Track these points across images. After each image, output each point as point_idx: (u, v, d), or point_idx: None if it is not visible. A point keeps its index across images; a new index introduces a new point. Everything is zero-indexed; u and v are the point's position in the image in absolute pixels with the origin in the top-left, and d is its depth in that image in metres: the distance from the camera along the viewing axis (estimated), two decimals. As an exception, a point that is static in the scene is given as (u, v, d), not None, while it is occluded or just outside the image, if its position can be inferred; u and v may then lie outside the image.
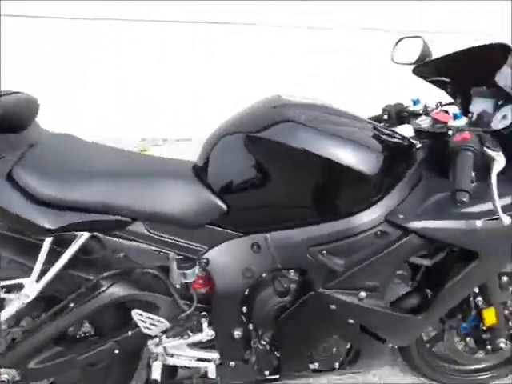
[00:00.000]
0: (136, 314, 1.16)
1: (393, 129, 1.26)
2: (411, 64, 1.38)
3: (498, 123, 1.11)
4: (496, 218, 0.99)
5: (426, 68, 1.35)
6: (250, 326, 1.23)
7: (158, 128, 3.65)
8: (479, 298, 1.34)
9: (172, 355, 1.22)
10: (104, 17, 3.45)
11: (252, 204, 1.12)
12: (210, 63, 3.75)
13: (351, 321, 1.18)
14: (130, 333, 1.19)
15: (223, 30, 3.70)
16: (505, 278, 1.33)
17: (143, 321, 1.16)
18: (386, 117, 1.43)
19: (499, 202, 0.96)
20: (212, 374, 1.22)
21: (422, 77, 1.39)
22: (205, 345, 1.23)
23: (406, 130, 1.26)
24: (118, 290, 1.15)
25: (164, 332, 1.19)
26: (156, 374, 1.18)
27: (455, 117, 1.13)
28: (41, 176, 1.01)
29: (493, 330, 1.37)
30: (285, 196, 1.09)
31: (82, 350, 1.20)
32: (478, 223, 1.06)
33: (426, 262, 1.19)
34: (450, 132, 1.11)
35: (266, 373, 1.27)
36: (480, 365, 1.58)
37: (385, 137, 1.14)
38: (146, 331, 1.17)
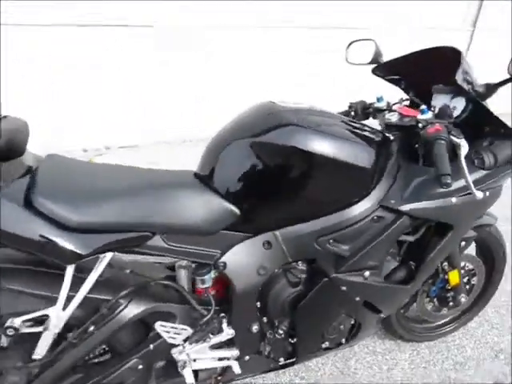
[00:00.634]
0: (159, 326, 1.17)
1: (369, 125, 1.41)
2: (365, 64, 1.54)
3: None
4: (469, 193, 1.19)
5: (384, 68, 1.52)
6: (265, 319, 1.31)
7: (97, 137, 3.48)
8: (445, 263, 1.58)
9: (194, 360, 1.25)
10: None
11: (263, 205, 1.19)
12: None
13: (357, 298, 1.32)
14: (151, 346, 1.20)
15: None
16: (463, 243, 1.57)
17: (167, 331, 1.18)
18: (352, 113, 1.59)
19: (471, 181, 1.15)
20: (237, 370, 1.28)
21: (380, 76, 1.56)
22: (224, 344, 1.28)
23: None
24: (136, 306, 1.15)
25: (186, 339, 1.22)
26: (190, 378, 1.20)
27: (422, 112, 1.31)
28: (59, 200, 0.97)
29: (456, 289, 1.62)
30: (293, 194, 1.17)
31: (104, 372, 1.18)
32: (454, 200, 1.26)
33: (410, 238, 1.37)
34: (419, 125, 1.28)
35: (281, 360, 1.37)
36: (444, 319, 1.85)
37: (368, 133, 1.28)
38: (170, 341, 1.19)
